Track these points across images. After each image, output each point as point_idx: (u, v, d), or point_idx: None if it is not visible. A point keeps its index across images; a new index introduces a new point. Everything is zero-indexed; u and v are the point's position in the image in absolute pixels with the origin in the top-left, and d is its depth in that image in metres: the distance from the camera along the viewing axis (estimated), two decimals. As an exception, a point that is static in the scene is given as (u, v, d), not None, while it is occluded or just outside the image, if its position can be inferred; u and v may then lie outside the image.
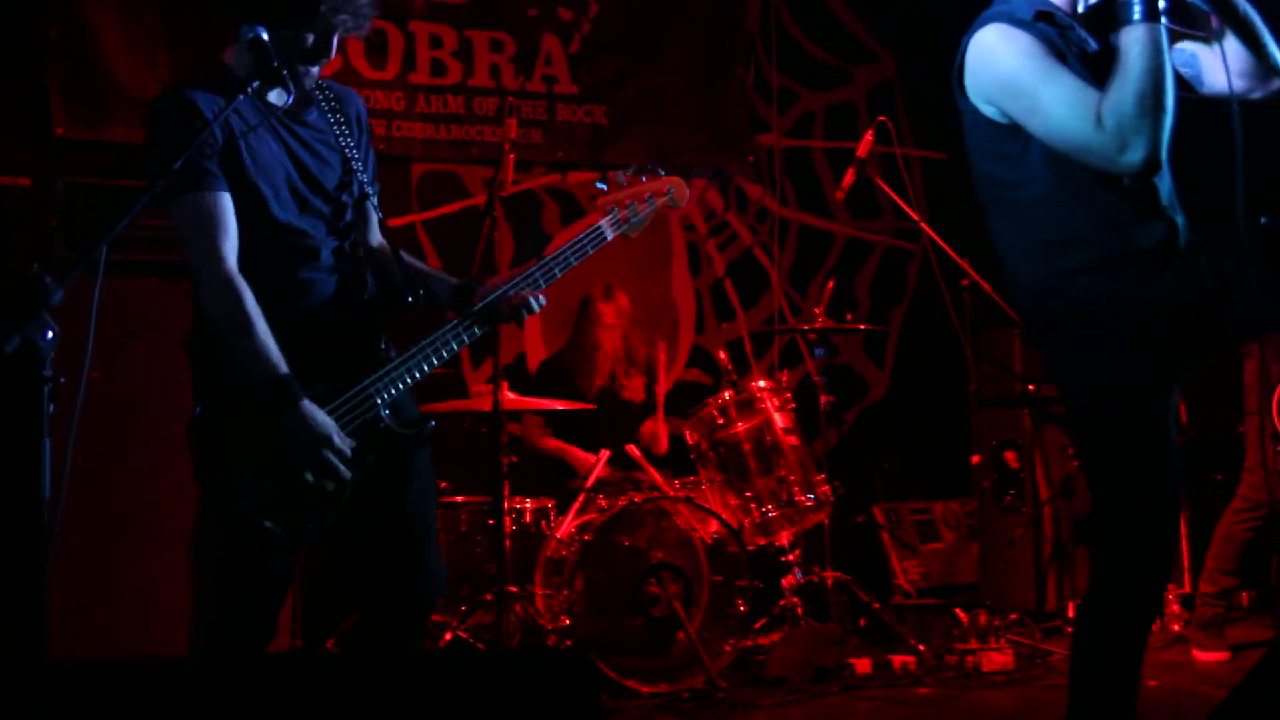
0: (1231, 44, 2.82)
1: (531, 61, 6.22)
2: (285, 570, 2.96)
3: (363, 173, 3.00)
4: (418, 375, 2.92)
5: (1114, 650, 2.75)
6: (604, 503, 4.90)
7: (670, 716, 4.44)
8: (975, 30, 2.80)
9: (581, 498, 4.98)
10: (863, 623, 5.39)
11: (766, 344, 6.67)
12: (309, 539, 2.84)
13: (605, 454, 5.15)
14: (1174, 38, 2.81)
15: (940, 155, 7.11)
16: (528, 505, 5.00)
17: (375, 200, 3.05)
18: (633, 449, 5.18)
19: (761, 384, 5.22)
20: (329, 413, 2.78)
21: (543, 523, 5.00)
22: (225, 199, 2.76)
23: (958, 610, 5.25)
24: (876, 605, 5.32)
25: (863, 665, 4.94)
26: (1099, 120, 2.60)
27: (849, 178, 5.35)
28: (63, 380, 2.32)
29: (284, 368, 2.73)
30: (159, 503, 4.19)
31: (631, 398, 5.67)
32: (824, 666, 4.86)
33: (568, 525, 4.88)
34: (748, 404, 5.15)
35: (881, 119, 5.41)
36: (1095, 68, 2.73)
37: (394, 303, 3.02)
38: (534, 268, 3.08)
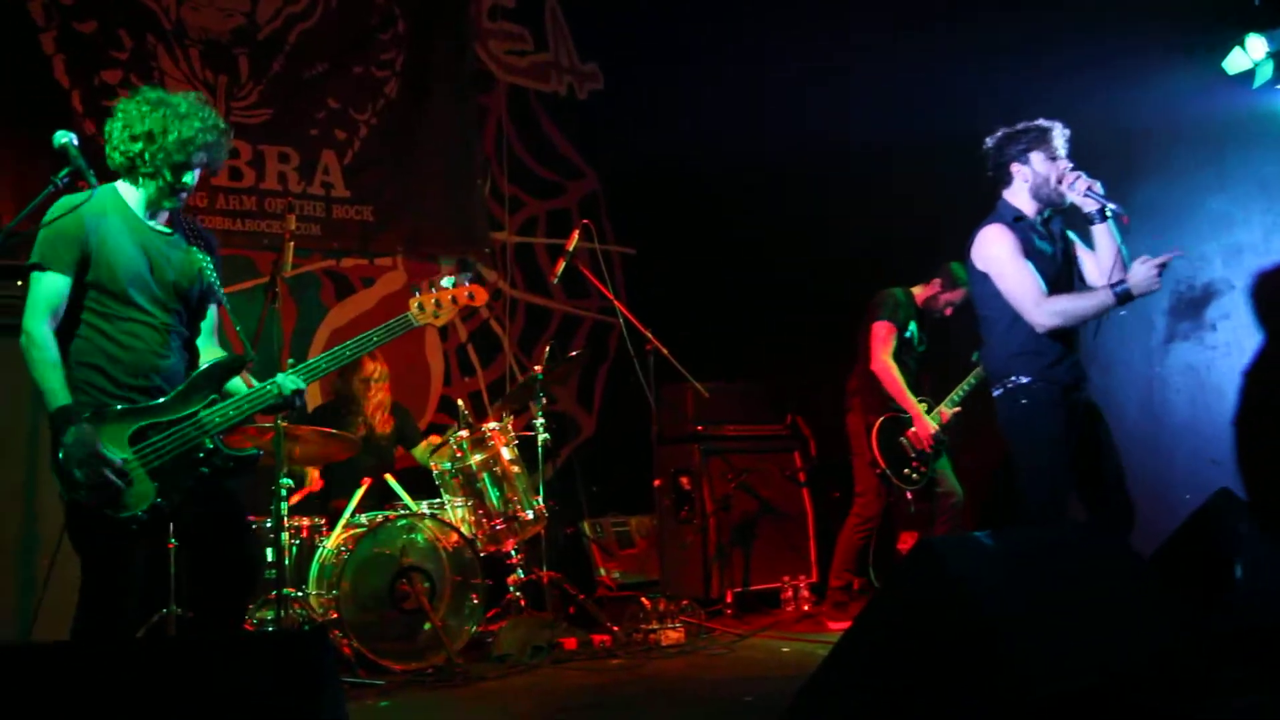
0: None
1: (312, 171, 6.62)
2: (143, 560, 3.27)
3: (213, 275, 3.42)
4: (230, 415, 3.27)
5: None
6: (365, 520, 5.22)
7: (419, 688, 4.70)
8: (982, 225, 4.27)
9: (348, 516, 5.21)
10: (571, 611, 5.79)
11: (500, 394, 6.96)
12: (149, 526, 3.17)
13: (367, 482, 5.47)
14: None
15: (631, 250, 7.75)
16: (304, 522, 5.25)
17: (221, 297, 3.44)
18: (390, 478, 5.45)
19: (492, 425, 5.56)
20: (151, 442, 3.16)
21: (316, 536, 5.25)
22: (61, 281, 3.16)
23: (643, 599, 5.67)
24: (582, 597, 5.72)
25: (570, 643, 5.34)
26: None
27: (558, 266, 5.84)
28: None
29: (64, 399, 3.09)
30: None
31: (387, 440, 5.90)
32: (540, 645, 5.22)
33: (336, 538, 5.17)
34: (481, 441, 5.50)
35: (585, 221, 5.93)
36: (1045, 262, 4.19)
37: (230, 368, 3.36)
38: (344, 345, 3.47)
